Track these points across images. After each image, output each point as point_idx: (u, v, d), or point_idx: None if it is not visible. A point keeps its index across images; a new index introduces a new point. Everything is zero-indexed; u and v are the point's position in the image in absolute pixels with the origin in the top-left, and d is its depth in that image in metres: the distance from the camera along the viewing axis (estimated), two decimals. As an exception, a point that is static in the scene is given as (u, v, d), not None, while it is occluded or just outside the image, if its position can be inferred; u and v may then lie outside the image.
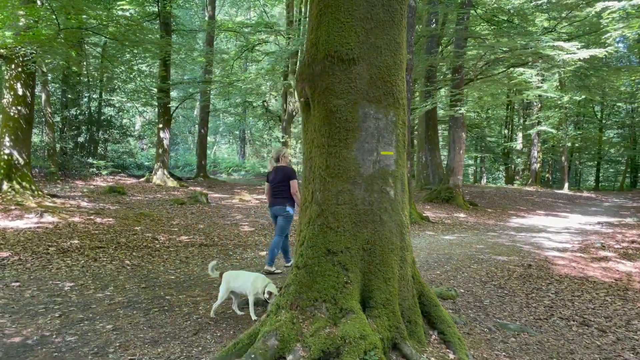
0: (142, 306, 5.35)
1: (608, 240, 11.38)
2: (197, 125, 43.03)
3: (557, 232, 13.56)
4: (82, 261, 7.34)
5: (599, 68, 22.24)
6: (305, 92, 4.33)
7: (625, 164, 40.99)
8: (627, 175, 41.57)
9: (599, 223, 16.06)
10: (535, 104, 38.09)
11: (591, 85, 25.26)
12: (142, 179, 21.84)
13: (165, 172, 21.33)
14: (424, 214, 15.17)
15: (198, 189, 21.32)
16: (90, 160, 21.87)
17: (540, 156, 39.76)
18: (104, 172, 21.70)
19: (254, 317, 4.90)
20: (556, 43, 15.46)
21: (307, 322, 3.78)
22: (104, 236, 9.25)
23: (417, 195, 21.58)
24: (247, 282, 4.99)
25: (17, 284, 6.02)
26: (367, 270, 4.05)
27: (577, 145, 39.89)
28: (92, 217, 11.04)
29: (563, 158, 38.83)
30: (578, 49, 15.68)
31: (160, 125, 21.50)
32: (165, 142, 21.45)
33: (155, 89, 21.40)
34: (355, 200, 4.10)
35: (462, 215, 17.02)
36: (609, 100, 35.27)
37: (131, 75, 20.82)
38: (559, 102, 35.37)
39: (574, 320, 5.54)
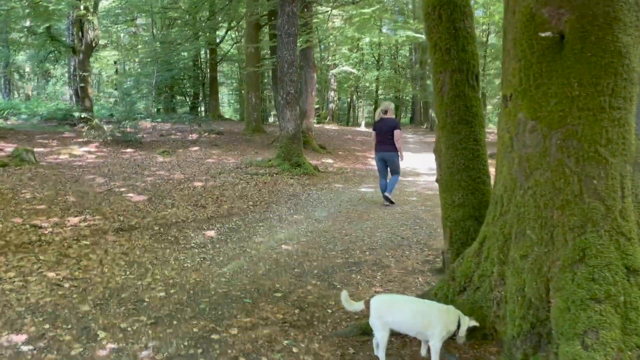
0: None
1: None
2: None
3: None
4: (-22, 286, 4.46)
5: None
6: (558, 22, 2.74)
7: (412, 102, 45.65)
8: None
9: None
10: (331, 45, 39.14)
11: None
12: None
13: (-61, 121, 15.82)
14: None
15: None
16: None
17: (336, 96, 42.75)
18: None
19: None
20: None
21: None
22: (-48, 232, 5.99)
23: (260, 140, 19.78)
24: (422, 315, 3.03)
25: None
26: (651, 288, 2.86)
27: (359, 84, 42.68)
28: None
29: (354, 97, 44.53)
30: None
31: None
32: None
33: None
34: (636, 188, 2.82)
35: (329, 160, 16.30)
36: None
37: None
38: (360, 44, 37.76)
39: None
